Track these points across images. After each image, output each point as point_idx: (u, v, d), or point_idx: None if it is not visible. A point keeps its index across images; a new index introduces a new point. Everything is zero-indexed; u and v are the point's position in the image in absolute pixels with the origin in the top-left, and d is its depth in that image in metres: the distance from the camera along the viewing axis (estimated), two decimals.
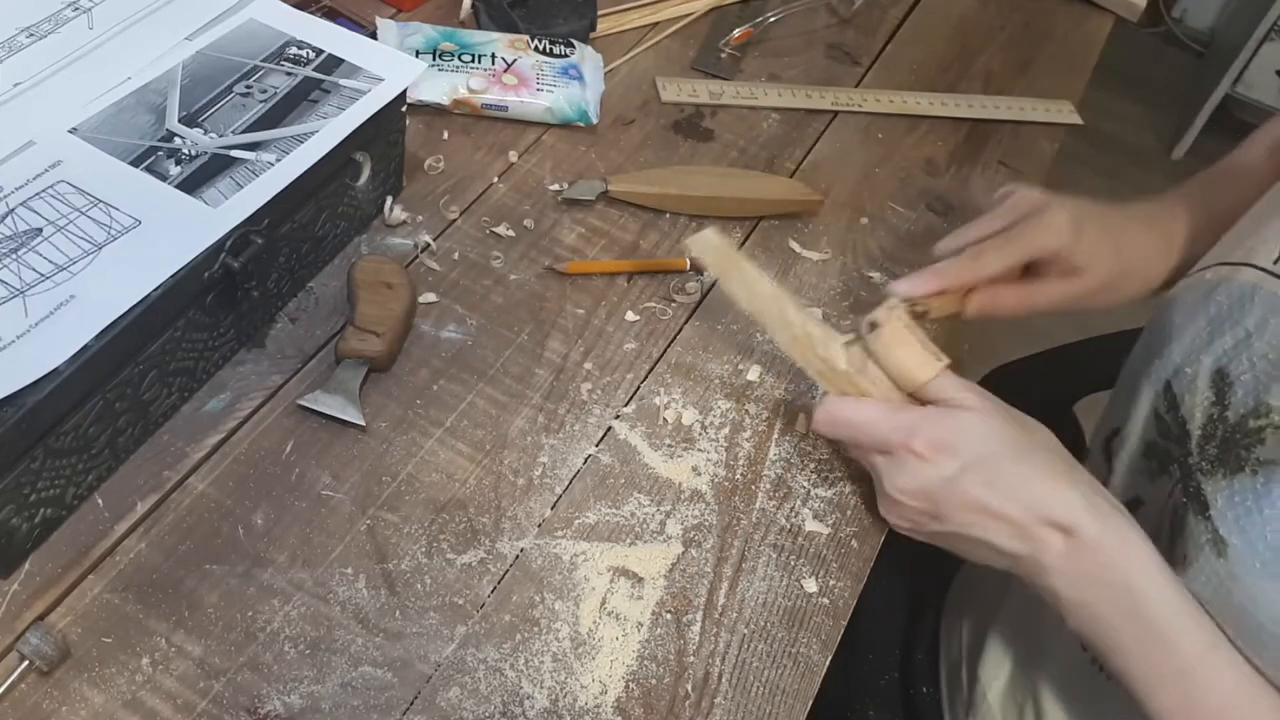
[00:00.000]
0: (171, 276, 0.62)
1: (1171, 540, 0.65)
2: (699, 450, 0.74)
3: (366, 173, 0.76)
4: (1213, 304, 0.66)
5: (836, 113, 1.02)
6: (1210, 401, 0.64)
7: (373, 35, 0.93)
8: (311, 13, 0.80)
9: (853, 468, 0.75)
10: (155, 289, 0.61)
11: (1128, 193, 0.84)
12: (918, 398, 0.67)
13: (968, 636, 0.86)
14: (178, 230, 0.64)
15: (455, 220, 0.84)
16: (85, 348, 0.58)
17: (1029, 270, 0.76)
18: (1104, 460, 0.75)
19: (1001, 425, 0.64)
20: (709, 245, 0.72)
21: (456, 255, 0.82)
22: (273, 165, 0.68)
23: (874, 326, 0.67)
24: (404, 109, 0.80)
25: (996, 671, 0.81)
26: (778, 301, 0.70)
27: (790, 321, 0.69)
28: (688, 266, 0.84)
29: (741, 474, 0.74)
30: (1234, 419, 0.62)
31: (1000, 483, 0.62)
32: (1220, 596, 0.60)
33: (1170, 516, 0.66)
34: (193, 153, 0.68)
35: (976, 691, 0.82)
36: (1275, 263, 0.64)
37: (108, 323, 0.59)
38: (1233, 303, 0.65)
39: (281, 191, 0.68)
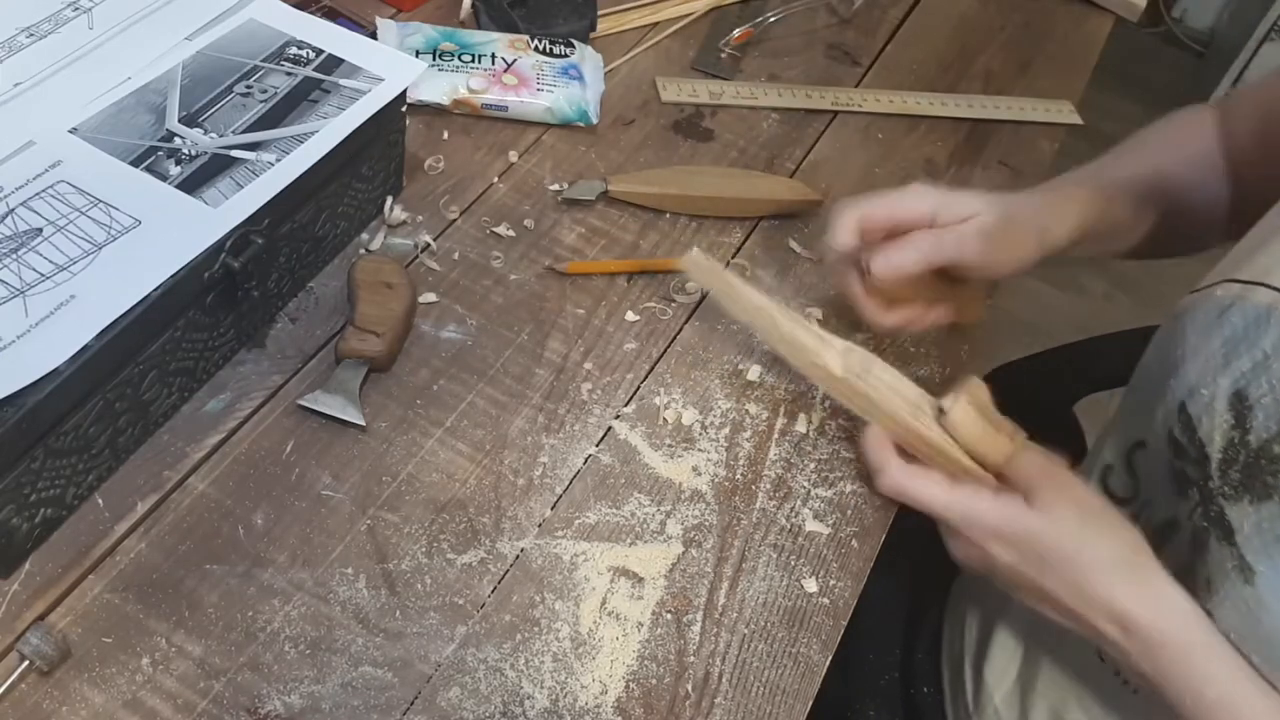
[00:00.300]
0: (171, 276, 0.62)
1: (1192, 563, 0.64)
2: (699, 450, 0.74)
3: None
4: (1227, 325, 0.65)
5: (836, 113, 1.02)
6: (1229, 425, 0.63)
7: (373, 35, 0.93)
8: (311, 13, 0.80)
9: (853, 468, 0.75)
10: (155, 289, 0.61)
11: None
12: (997, 475, 0.67)
13: (972, 636, 0.86)
14: (178, 230, 0.64)
15: (455, 220, 0.84)
16: (85, 348, 0.58)
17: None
18: (1128, 475, 0.74)
19: (1070, 531, 0.63)
20: (697, 266, 0.73)
21: (456, 255, 0.82)
22: (273, 165, 0.68)
23: (942, 412, 0.67)
24: (404, 109, 0.80)
25: (1003, 672, 0.81)
26: (768, 313, 0.71)
27: (782, 332, 0.70)
28: None
29: (742, 474, 0.74)
30: (1256, 444, 0.61)
31: (1053, 577, 0.63)
32: (1248, 624, 0.59)
33: (1190, 539, 0.65)
34: (193, 153, 0.68)
35: (983, 693, 0.81)
36: None
37: (108, 323, 0.59)
38: (1248, 324, 0.64)
39: (281, 191, 0.68)
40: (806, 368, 0.71)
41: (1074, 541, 0.63)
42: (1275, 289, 0.63)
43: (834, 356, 0.69)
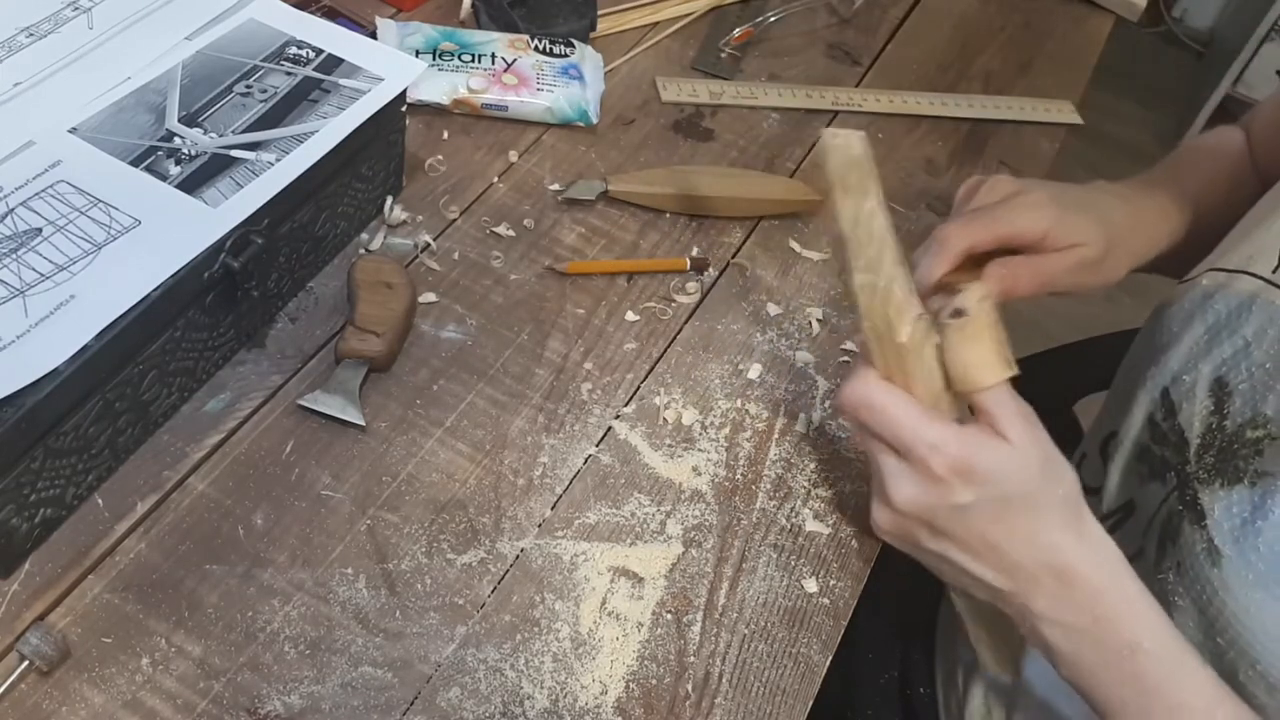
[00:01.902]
0: (171, 276, 0.62)
1: (1162, 547, 0.65)
2: (699, 450, 0.74)
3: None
4: (1210, 311, 0.66)
5: (836, 113, 1.02)
6: (1209, 410, 0.64)
7: (373, 35, 0.93)
8: (311, 13, 0.80)
9: (853, 468, 0.75)
10: (155, 289, 0.61)
11: None
12: (965, 400, 0.62)
13: (963, 635, 0.86)
14: (178, 230, 0.64)
15: (455, 220, 0.84)
16: (85, 348, 0.58)
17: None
18: (1101, 463, 0.75)
19: (1033, 471, 0.60)
20: (848, 151, 0.61)
21: (456, 255, 0.82)
22: (273, 165, 0.68)
23: (959, 314, 0.61)
24: (404, 109, 0.80)
25: (989, 671, 0.81)
26: (883, 241, 0.61)
27: (883, 268, 0.61)
28: (688, 266, 0.84)
29: (742, 474, 0.74)
30: (1232, 429, 0.62)
31: (1008, 523, 0.60)
32: (1214, 606, 0.60)
33: (1164, 523, 0.65)
34: (193, 153, 0.68)
35: (970, 692, 0.82)
36: (1275, 271, 0.64)
37: (108, 323, 0.59)
38: (1231, 311, 0.65)
39: (281, 191, 0.68)
40: (873, 315, 0.62)
41: (1037, 481, 0.59)
42: (1258, 277, 0.64)
43: (908, 321, 0.61)
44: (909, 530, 0.63)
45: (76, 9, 0.75)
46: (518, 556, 0.67)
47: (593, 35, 1.01)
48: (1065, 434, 1.01)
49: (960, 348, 0.60)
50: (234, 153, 0.69)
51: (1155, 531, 0.66)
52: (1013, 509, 0.59)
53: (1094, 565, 0.59)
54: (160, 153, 0.68)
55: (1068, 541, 0.59)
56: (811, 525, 0.72)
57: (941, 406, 0.62)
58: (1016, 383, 0.63)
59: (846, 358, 0.81)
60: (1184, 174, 0.82)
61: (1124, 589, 0.59)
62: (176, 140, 0.69)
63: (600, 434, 0.74)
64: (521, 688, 0.62)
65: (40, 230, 0.62)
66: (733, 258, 0.87)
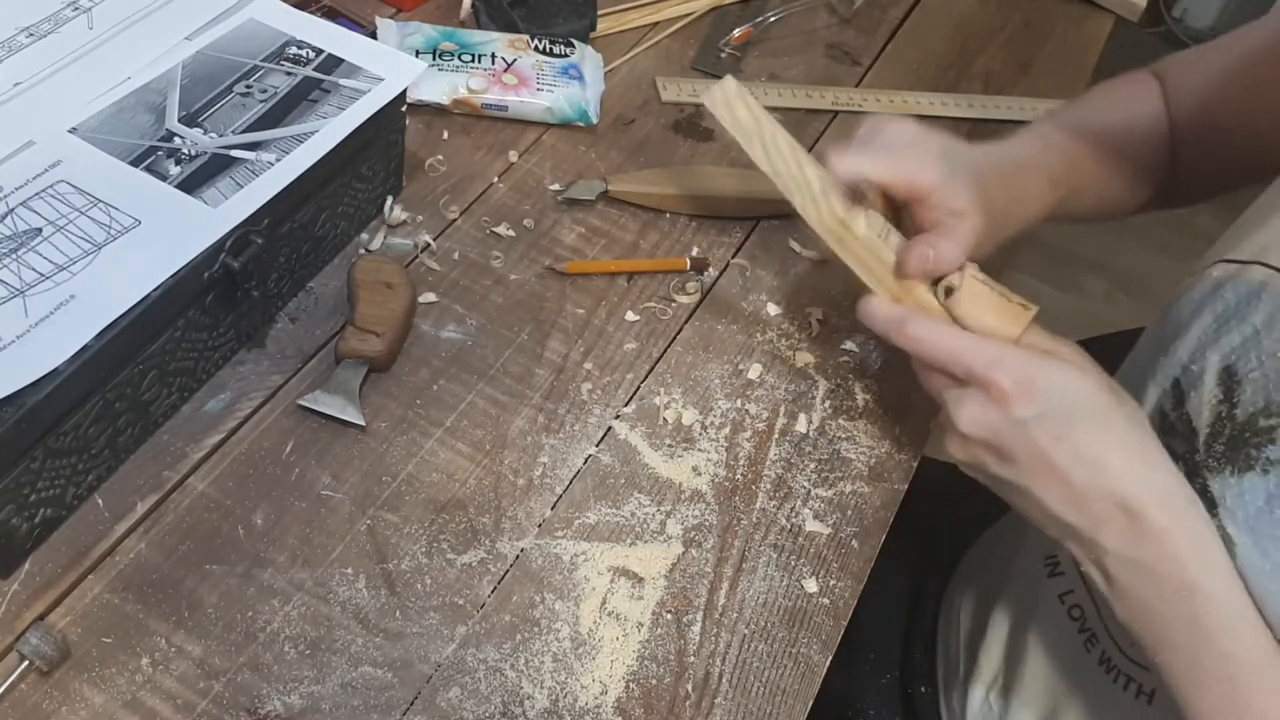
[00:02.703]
0: (171, 276, 0.62)
1: None
2: (699, 450, 0.74)
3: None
4: (1219, 301, 0.66)
5: (836, 113, 1.02)
6: (1218, 399, 0.63)
7: (373, 35, 0.93)
8: (311, 13, 0.80)
9: (853, 468, 0.75)
10: (155, 289, 0.61)
11: None
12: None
13: (964, 634, 0.86)
14: (178, 230, 0.64)
15: (455, 220, 0.84)
16: (85, 348, 0.58)
17: (909, 216, 0.73)
18: None
19: (1093, 384, 0.61)
20: (726, 97, 0.65)
21: (456, 255, 0.82)
22: (273, 165, 0.68)
23: (950, 291, 0.63)
24: (404, 109, 0.80)
25: (993, 667, 0.81)
26: (797, 157, 0.65)
27: (811, 181, 0.64)
28: (688, 266, 0.84)
29: (742, 474, 0.74)
30: (1243, 417, 0.62)
31: (1072, 442, 0.59)
32: None
33: None
34: (193, 153, 0.68)
35: (972, 691, 0.82)
36: None
37: (108, 323, 0.59)
38: (1240, 299, 0.64)
39: (281, 191, 0.68)
40: (825, 226, 0.65)
41: (1101, 398, 0.60)
42: (1270, 266, 0.64)
43: (858, 215, 0.64)
44: (978, 457, 0.63)
45: (76, 9, 0.75)
46: (518, 556, 0.67)
47: (593, 35, 1.01)
48: None
49: (970, 318, 0.63)
50: (234, 153, 0.69)
51: None
52: (1076, 425, 0.60)
53: (1161, 500, 0.59)
54: (160, 153, 0.68)
55: (1134, 472, 0.59)
56: (811, 525, 0.72)
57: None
58: None
59: (846, 357, 0.81)
60: (1082, 116, 0.81)
61: (1190, 527, 0.59)
62: (176, 140, 0.69)
63: (600, 434, 0.74)
64: (521, 688, 0.62)
65: (40, 230, 0.62)
66: (733, 258, 0.87)
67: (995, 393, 0.60)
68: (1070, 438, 0.59)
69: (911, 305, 0.66)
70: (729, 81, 0.66)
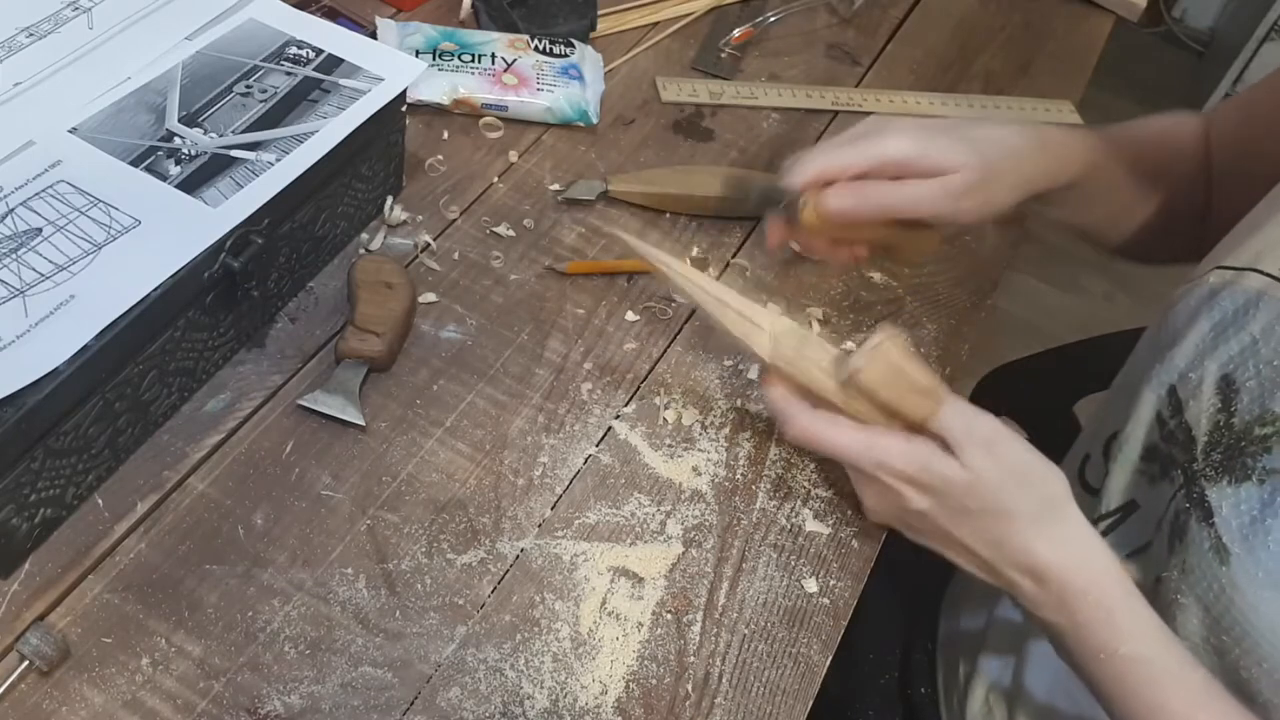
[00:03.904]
0: (171, 276, 0.62)
1: (1170, 546, 0.65)
2: (699, 450, 0.74)
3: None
4: (1217, 309, 0.66)
5: (836, 113, 1.02)
6: (1216, 408, 0.63)
7: (373, 35, 0.93)
8: (311, 13, 0.80)
9: None
10: (155, 289, 0.61)
11: None
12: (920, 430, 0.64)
13: (965, 636, 0.86)
14: (178, 230, 0.64)
15: (455, 220, 0.84)
16: (85, 348, 0.58)
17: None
18: (1104, 463, 0.75)
19: (990, 488, 0.61)
20: (633, 248, 0.68)
21: (456, 255, 0.82)
22: (273, 165, 0.68)
23: (856, 373, 0.62)
24: (404, 109, 0.80)
25: (991, 671, 0.81)
26: (698, 291, 0.66)
27: (711, 311, 0.66)
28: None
29: (742, 474, 0.74)
30: (1240, 426, 0.62)
31: (970, 525, 0.62)
32: (1220, 604, 0.60)
33: (1171, 522, 0.65)
34: (193, 153, 0.68)
35: (972, 692, 0.82)
36: None
37: (108, 323, 0.59)
38: (1238, 308, 0.64)
39: (281, 191, 0.68)
40: (738, 341, 0.67)
41: (994, 495, 0.61)
42: (1266, 274, 0.64)
43: (763, 341, 0.65)
44: (891, 524, 0.67)
45: (76, 9, 0.75)
46: (518, 556, 0.67)
47: (593, 35, 1.01)
48: (1065, 434, 1.01)
49: (876, 396, 0.63)
50: (234, 153, 0.69)
51: (1164, 530, 0.66)
52: (974, 515, 0.62)
53: (1072, 569, 0.60)
54: (160, 153, 0.68)
55: (1041, 546, 0.61)
56: (811, 525, 0.72)
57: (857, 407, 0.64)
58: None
59: None
60: (1114, 134, 0.81)
61: (1104, 593, 0.60)
62: (176, 140, 0.69)
63: (600, 434, 0.74)
64: (521, 688, 0.62)
65: (40, 230, 0.62)
66: (733, 258, 0.87)
67: (885, 488, 0.63)
68: (969, 523, 0.62)
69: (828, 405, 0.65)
70: (629, 239, 0.68)
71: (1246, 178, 0.74)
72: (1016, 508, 0.61)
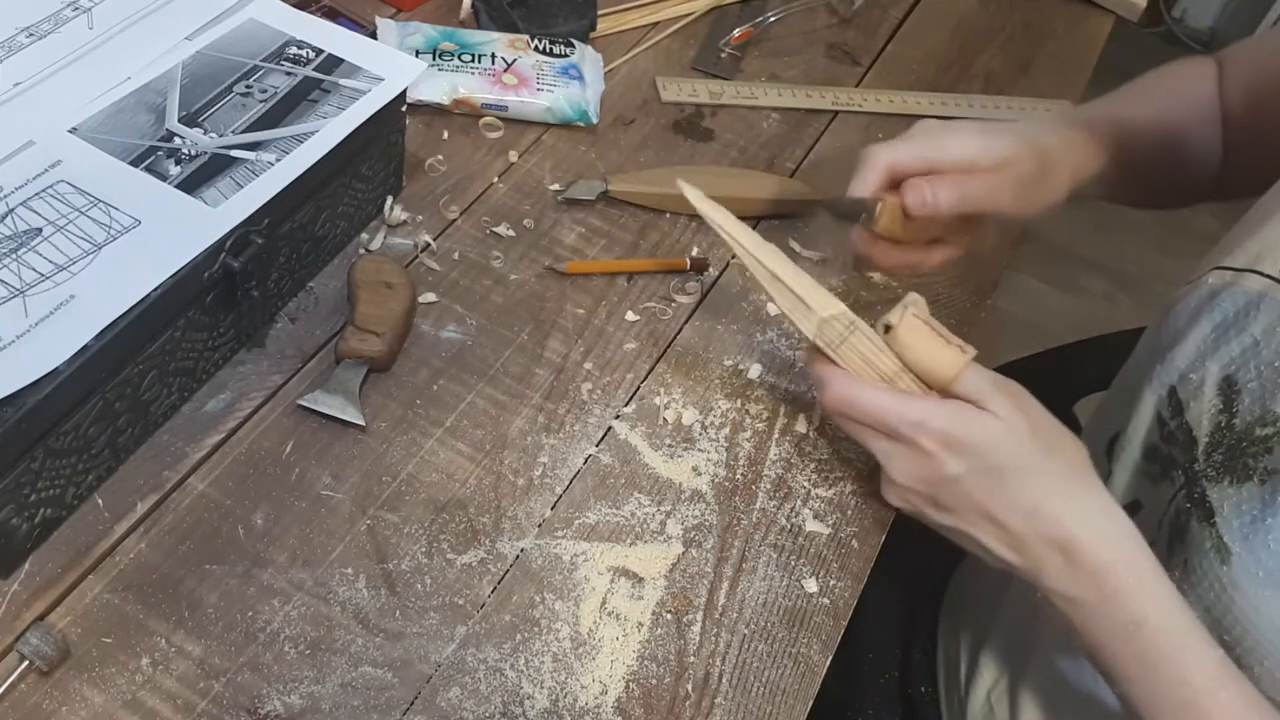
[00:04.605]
0: (171, 276, 0.62)
1: (1171, 546, 0.65)
2: (699, 450, 0.74)
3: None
4: (1218, 310, 0.66)
5: (836, 112, 1.02)
6: (1218, 409, 0.64)
7: (373, 35, 0.93)
8: (311, 13, 0.80)
9: (853, 468, 0.75)
10: (155, 289, 0.61)
11: None
12: (948, 393, 0.64)
13: (966, 636, 0.86)
14: (178, 230, 0.64)
15: (455, 220, 0.84)
16: (85, 348, 0.58)
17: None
18: (1106, 463, 0.75)
19: (1024, 440, 0.61)
20: (694, 197, 0.69)
21: (456, 255, 0.82)
22: (273, 165, 0.68)
23: (889, 329, 0.64)
24: (404, 109, 0.80)
25: (992, 670, 0.81)
26: (761, 259, 0.67)
27: (780, 278, 0.67)
28: (688, 266, 0.84)
29: (742, 474, 0.74)
30: (1241, 427, 0.62)
31: (1005, 493, 0.60)
32: (1221, 604, 0.60)
33: (1172, 522, 0.65)
34: (193, 153, 0.68)
35: (973, 692, 0.82)
36: None
37: (108, 323, 0.59)
38: (1239, 309, 0.64)
39: (281, 191, 0.68)
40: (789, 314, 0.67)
41: (1029, 451, 0.60)
42: (1266, 275, 0.64)
43: (809, 323, 0.65)
44: (916, 506, 0.65)
45: (76, 9, 0.75)
46: (518, 556, 0.67)
47: (593, 35, 1.01)
48: None
49: (907, 355, 0.63)
50: (234, 153, 0.69)
51: (1165, 530, 0.66)
52: (1007, 480, 0.60)
53: (1100, 540, 0.59)
54: (160, 153, 0.68)
55: (1070, 514, 0.60)
56: (811, 525, 0.72)
57: (905, 383, 0.64)
58: (1017, 383, 0.63)
59: None
60: (1131, 102, 0.81)
61: (1131, 563, 0.59)
62: (176, 140, 0.69)
63: (600, 434, 0.74)
64: (521, 688, 0.62)
65: (40, 230, 0.62)
66: (733, 258, 0.87)
67: (922, 452, 0.62)
68: (1002, 490, 0.61)
69: (847, 349, 0.65)
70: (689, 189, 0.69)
71: (1253, 132, 0.76)
72: (1051, 469, 0.60)
